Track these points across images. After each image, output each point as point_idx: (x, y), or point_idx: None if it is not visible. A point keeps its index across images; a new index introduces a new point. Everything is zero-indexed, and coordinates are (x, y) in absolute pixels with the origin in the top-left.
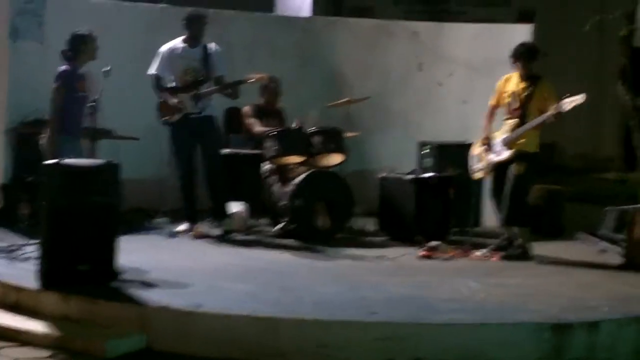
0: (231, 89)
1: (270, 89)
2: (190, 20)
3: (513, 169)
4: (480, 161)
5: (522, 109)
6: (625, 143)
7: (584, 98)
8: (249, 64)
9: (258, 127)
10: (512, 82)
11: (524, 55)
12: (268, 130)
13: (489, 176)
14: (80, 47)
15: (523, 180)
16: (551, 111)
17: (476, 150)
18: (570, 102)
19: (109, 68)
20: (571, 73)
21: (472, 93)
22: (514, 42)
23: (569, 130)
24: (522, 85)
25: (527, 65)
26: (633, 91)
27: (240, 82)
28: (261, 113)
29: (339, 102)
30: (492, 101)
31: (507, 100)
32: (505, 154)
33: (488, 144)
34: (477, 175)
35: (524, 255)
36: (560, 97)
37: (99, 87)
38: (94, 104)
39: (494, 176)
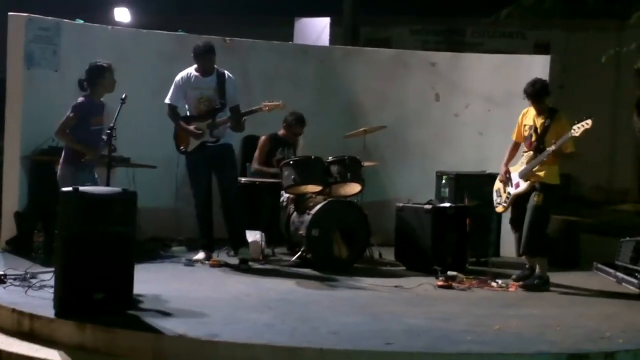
0: (245, 117)
1: (287, 122)
2: (196, 54)
3: (533, 200)
4: (500, 195)
5: (538, 142)
6: None
7: (591, 123)
8: (267, 93)
9: (256, 165)
10: (530, 116)
11: (532, 95)
12: (284, 161)
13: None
14: (97, 79)
15: (542, 211)
16: (560, 140)
17: (496, 185)
18: (579, 128)
19: (124, 96)
20: (586, 104)
21: (488, 124)
22: (531, 73)
23: (585, 162)
24: (540, 118)
25: (538, 103)
26: None
27: (255, 111)
28: (278, 143)
29: (355, 132)
30: (513, 135)
31: (526, 133)
32: (523, 185)
33: (507, 177)
34: (499, 209)
35: (542, 286)
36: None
37: (115, 115)
38: (110, 132)
39: (513, 207)
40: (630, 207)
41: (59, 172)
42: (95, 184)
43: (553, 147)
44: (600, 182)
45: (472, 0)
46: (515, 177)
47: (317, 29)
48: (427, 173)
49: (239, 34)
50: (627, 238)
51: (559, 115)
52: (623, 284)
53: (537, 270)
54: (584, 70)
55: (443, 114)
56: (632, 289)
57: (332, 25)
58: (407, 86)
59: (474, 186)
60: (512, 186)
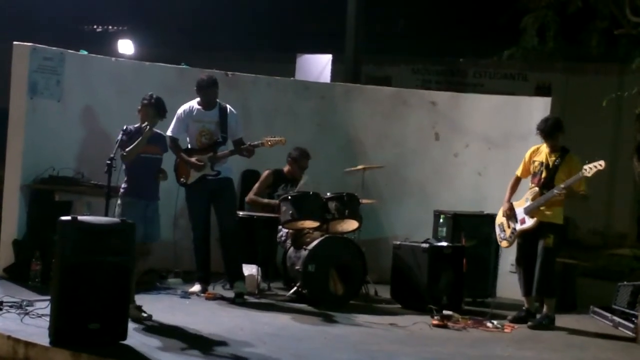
0: (247, 151)
1: (293, 156)
2: (200, 88)
3: (543, 242)
4: (503, 230)
5: (547, 179)
6: (639, 219)
7: (604, 165)
8: (267, 128)
9: (252, 195)
10: (542, 152)
11: (545, 131)
12: (282, 197)
13: (514, 245)
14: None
15: (552, 252)
16: (571, 179)
17: (499, 219)
18: (591, 169)
19: (125, 127)
20: (586, 148)
21: (487, 165)
22: (532, 115)
23: (583, 205)
24: (551, 156)
25: (551, 140)
26: None
27: (257, 145)
28: (281, 179)
29: (355, 168)
30: (518, 171)
31: (535, 170)
32: (529, 222)
33: (511, 213)
34: (503, 244)
35: (550, 325)
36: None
37: (115, 147)
38: (110, 162)
39: (519, 244)
40: (627, 252)
41: (120, 200)
42: (142, 219)
43: (563, 185)
44: (597, 226)
45: (473, 41)
46: (520, 212)
47: (319, 66)
48: (425, 212)
49: (241, 69)
50: (625, 282)
51: (569, 155)
52: (619, 328)
53: (545, 309)
54: (584, 113)
55: (442, 154)
56: (629, 334)
57: (334, 62)
58: (406, 125)
59: (472, 226)
60: (517, 222)
